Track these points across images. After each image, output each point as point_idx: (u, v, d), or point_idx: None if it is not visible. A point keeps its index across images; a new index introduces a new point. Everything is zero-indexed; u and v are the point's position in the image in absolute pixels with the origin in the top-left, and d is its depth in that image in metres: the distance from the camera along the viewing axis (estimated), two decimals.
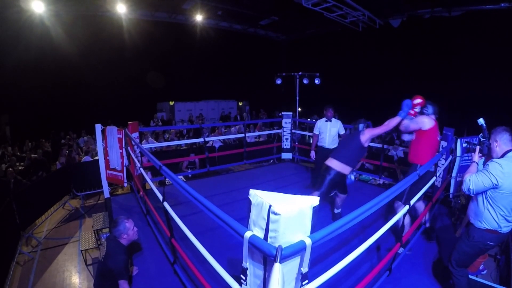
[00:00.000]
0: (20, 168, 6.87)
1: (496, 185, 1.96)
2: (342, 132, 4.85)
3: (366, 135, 3.19)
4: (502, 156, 2.05)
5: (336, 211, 3.73)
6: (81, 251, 3.77)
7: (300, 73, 7.68)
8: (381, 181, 5.35)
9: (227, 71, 13.61)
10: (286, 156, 6.65)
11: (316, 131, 4.94)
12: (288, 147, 6.60)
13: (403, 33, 9.38)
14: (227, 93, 14.26)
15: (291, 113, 6.62)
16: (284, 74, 8.07)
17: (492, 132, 2.16)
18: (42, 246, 4.29)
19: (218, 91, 13.86)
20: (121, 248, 2.39)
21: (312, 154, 5.09)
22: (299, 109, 8.32)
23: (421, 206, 3.24)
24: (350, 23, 9.32)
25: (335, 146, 4.81)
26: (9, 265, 3.61)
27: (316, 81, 7.69)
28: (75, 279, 3.52)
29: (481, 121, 2.55)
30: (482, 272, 2.77)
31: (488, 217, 2.05)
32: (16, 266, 3.74)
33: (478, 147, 2.30)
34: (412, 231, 2.79)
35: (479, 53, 7.80)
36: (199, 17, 10.27)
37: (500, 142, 2.09)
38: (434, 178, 3.15)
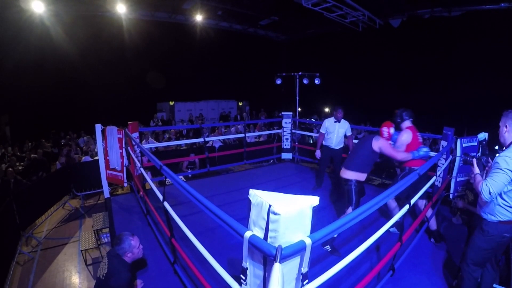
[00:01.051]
0: (20, 168, 6.87)
1: None
2: (349, 133, 4.82)
3: (376, 146, 3.07)
4: (509, 146, 1.98)
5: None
6: (81, 251, 3.78)
7: (300, 73, 7.68)
8: (381, 181, 5.35)
9: (227, 71, 13.59)
10: (286, 156, 6.66)
11: (323, 130, 4.85)
12: (288, 147, 6.60)
13: (403, 33, 9.38)
14: (227, 93, 14.25)
15: (291, 113, 6.62)
16: (284, 74, 8.07)
17: (503, 115, 2.06)
18: (42, 246, 4.29)
19: (218, 91, 13.85)
20: (125, 266, 2.22)
21: (318, 153, 4.98)
22: (299, 109, 8.31)
23: (421, 205, 3.29)
24: (350, 23, 9.32)
25: (341, 146, 4.81)
26: (9, 265, 3.61)
27: (316, 81, 7.69)
28: (75, 279, 3.52)
29: (481, 136, 2.40)
30: None
31: (501, 209, 2.01)
32: (16, 266, 3.74)
33: (475, 161, 2.23)
34: (412, 230, 2.79)
35: (479, 53, 7.80)
36: (199, 17, 10.27)
37: (510, 128, 2.00)
38: (434, 177, 3.15)
